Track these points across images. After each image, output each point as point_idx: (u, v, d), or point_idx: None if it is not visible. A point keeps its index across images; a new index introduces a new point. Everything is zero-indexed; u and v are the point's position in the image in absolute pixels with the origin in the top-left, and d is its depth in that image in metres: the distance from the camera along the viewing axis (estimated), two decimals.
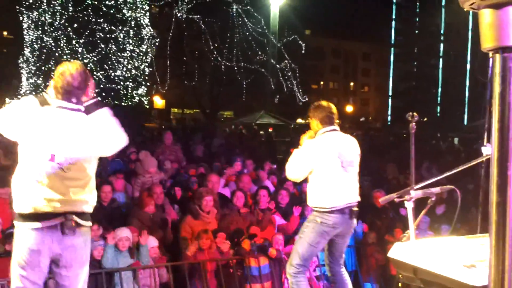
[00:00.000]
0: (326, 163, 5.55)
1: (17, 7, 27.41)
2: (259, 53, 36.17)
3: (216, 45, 35.88)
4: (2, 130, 3.98)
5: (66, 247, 4.01)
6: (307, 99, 38.85)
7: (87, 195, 4.14)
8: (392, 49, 73.88)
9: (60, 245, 3.98)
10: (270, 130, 31.61)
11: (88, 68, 25.50)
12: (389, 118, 70.45)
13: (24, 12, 26.94)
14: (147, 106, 32.00)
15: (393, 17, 72.79)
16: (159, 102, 46.76)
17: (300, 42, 37.36)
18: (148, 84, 29.54)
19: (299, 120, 42.59)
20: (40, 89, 25.75)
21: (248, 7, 35.29)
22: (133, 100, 27.51)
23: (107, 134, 4.14)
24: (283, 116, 34.90)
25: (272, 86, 35.45)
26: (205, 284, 7.05)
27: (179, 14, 33.43)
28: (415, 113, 4.39)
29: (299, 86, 38.23)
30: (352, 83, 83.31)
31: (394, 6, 72.33)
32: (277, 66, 36.11)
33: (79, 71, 4.09)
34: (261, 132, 30.48)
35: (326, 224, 5.51)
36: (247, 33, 35.90)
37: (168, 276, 7.04)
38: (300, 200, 9.22)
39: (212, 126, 32.67)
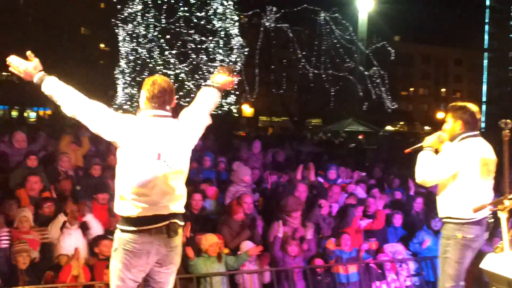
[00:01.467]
0: (471, 171, 5.17)
1: (112, 20, 28.58)
2: (347, 60, 35.90)
3: (304, 53, 35.93)
4: (104, 131, 4.17)
5: (171, 248, 4.21)
6: (396, 106, 38.18)
7: (184, 194, 4.34)
8: (486, 54, 71.25)
9: (166, 247, 4.16)
10: (360, 137, 31.30)
11: (180, 78, 26.24)
12: (482, 125, 67.90)
13: (120, 25, 28.04)
14: (236, 115, 32.48)
15: (486, 21, 70.24)
16: (247, 110, 47.33)
17: (389, 48, 36.77)
18: (237, 93, 29.95)
19: (388, 127, 41.88)
20: (135, 99, 26.72)
21: (336, 14, 35.12)
22: (222, 109, 27.96)
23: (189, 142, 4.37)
24: (371, 123, 34.44)
25: (360, 93, 35.09)
26: None
27: (267, 24, 33.75)
28: (508, 120, 4.27)
29: (388, 93, 37.59)
30: (443, 90, 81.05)
31: (487, 10, 69.79)
32: (365, 73, 35.70)
33: (167, 81, 4.35)
34: (349, 139, 30.23)
35: (467, 238, 5.14)
36: (335, 41, 35.72)
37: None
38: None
39: (300, 134, 32.71)
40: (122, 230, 4.16)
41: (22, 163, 9.62)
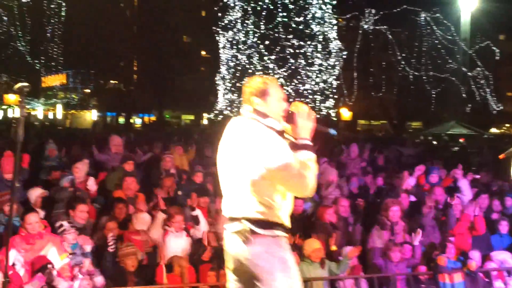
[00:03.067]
0: None
1: (213, 28, 29.33)
2: (449, 61, 34.88)
3: (403, 55, 35.27)
4: None
5: None
6: (501, 107, 36.65)
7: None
8: None
9: None
10: (461, 140, 30.27)
11: (279, 83, 26.46)
12: None
13: (220, 32, 28.74)
14: (335, 119, 32.36)
15: None
16: (345, 114, 46.97)
17: (493, 48, 35.36)
18: (335, 96, 29.85)
19: (493, 130, 40.23)
20: (235, 105, 27.25)
21: (437, 14, 34.22)
22: (321, 112, 27.95)
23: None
24: (475, 125, 33.21)
25: (464, 95, 33.98)
26: None
27: (365, 26, 33.45)
28: None
29: (493, 94, 36.14)
30: None
31: None
32: (469, 73, 34.52)
33: (262, 80, 4.18)
34: (451, 142, 29.30)
35: None
36: (436, 41, 34.83)
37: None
38: None
39: (400, 137, 32.10)
40: (275, 236, 4.01)
41: (119, 167, 9.93)
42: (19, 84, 4.05)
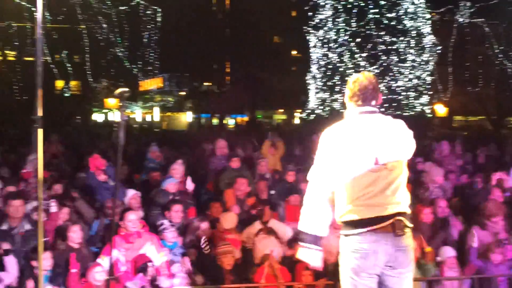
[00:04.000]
0: None
1: (304, 27, 29.38)
2: None
3: (501, 48, 33.92)
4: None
5: (400, 248, 4.10)
6: None
7: (406, 194, 4.24)
8: None
9: (394, 246, 4.07)
10: None
11: None
12: None
13: (311, 31, 28.74)
14: (430, 115, 31.59)
15: None
16: (440, 110, 45.66)
17: None
18: (429, 92, 29.12)
19: None
20: (326, 104, 27.18)
21: None
22: (415, 109, 27.36)
23: (406, 136, 4.26)
24: None
25: None
26: None
27: (460, 19, 32.44)
28: None
29: None
30: None
31: None
32: None
33: (369, 76, 4.32)
34: None
35: None
36: None
37: None
38: None
39: (499, 134, 30.89)
40: (346, 235, 4.16)
41: (227, 167, 10.25)
42: (120, 89, 4.27)
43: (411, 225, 4.19)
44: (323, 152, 4.17)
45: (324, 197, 4.14)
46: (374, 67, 26.43)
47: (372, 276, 4.10)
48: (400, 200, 4.14)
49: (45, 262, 6.09)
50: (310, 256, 4.21)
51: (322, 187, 4.13)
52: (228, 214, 7.84)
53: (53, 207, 7.54)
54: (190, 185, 9.30)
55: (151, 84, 52.98)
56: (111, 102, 48.65)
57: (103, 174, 8.94)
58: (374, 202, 4.06)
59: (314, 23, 28.48)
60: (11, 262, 6.28)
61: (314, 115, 27.89)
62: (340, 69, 26.79)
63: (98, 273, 6.15)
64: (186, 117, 54.29)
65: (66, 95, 44.14)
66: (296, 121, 49.73)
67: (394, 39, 26.80)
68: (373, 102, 4.25)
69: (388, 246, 4.05)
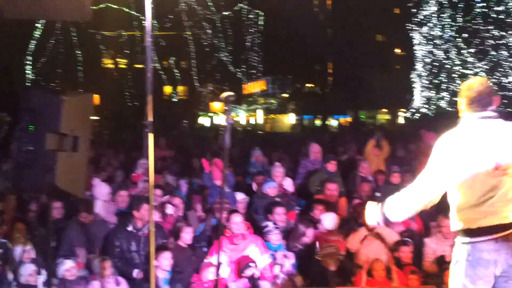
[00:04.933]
0: None
1: (407, 24, 28.84)
2: None
3: None
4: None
5: None
6: None
7: None
8: None
9: None
10: None
11: (480, 77, 25.27)
12: None
13: (415, 28, 28.18)
14: None
15: None
16: None
17: None
18: None
19: None
20: (432, 102, 26.53)
21: None
22: None
23: None
24: None
25: None
26: None
27: None
28: None
29: None
30: None
31: None
32: None
33: (482, 81, 4.25)
34: None
35: None
36: None
37: None
38: None
39: None
40: (464, 243, 4.09)
41: (321, 168, 10.13)
42: (225, 94, 4.44)
43: None
44: (438, 157, 4.09)
45: (421, 198, 4.08)
46: (483, 63, 25.52)
47: (487, 284, 4.01)
48: None
49: (165, 262, 6.46)
50: (372, 215, 4.27)
51: (425, 191, 4.07)
52: (329, 215, 7.83)
53: (169, 208, 7.93)
54: (290, 187, 9.39)
55: (254, 87, 53.68)
56: (216, 105, 49.75)
57: (219, 178, 9.08)
58: (494, 209, 3.96)
59: (418, 19, 27.90)
60: None
61: (419, 114, 27.33)
62: (447, 66, 26.10)
63: (210, 273, 6.40)
64: (289, 119, 54.56)
65: (173, 100, 45.66)
66: (400, 120, 48.71)
67: (503, 33, 25.76)
68: (491, 107, 4.15)
69: (509, 256, 3.94)
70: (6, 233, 7.23)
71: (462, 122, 4.22)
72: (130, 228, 7.07)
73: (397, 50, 48.46)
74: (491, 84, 4.28)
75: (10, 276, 6.57)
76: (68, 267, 6.52)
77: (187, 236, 7.09)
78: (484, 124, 4.10)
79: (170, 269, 6.63)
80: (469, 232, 4.02)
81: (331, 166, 9.95)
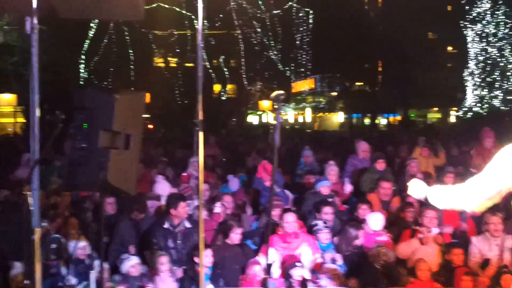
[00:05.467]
0: None
1: (460, 22, 28.28)
2: None
3: None
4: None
5: None
6: None
7: None
8: None
9: None
10: None
11: None
12: None
13: (468, 25, 27.62)
14: None
15: None
16: None
17: None
18: None
19: None
20: (485, 101, 25.99)
21: None
22: None
23: None
24: None
25: None
26: None
27: None
28: None
29: None
30: None
31: None
32: None
33: None
34: None
35: None
36: None
37: None
38: None
39: None
40: None
41: (371, 167, 10.04)
42: (275, 92, 4.46)
43: None
44: (498, 163, 3.73)
45: (465, 200, 3.82)
46: None
47: None
48: None
49: (206, 259, 6.53)
50: (416, 189, 4.15)
51: (472, 194, 3.77)
52: (375, 215, 7.75)
53: (218, 207, 8.01)
54: (348, 187, 9.35)
55: (303, 85, 53.56)
56: (265, 104, 49.87)
57: (270, 180, 9.11)
58: None
59: (472, 17, 27.33)
60: None
61: (472, 113, 26.77)
62: (501, 64, 25.49)
63: (258, 271, 6.43)
64: (338, 118, 54.26)
65: (223, 98, 45.95)
66: (452, 119, 47.83)
67: None
68: None
69: None
70: (60, 229, 7.43)
71: None
72: (166, 226, 7.16)
73: (449, 48, 47.65)
74: None
75: (64, 270, 6.74)
76: (133, 263, 6.62)
77: (236, 236, 7.12)
78: None
79: (211, 266, 6.68)
80: None
81: (380, 165, 9.85)
